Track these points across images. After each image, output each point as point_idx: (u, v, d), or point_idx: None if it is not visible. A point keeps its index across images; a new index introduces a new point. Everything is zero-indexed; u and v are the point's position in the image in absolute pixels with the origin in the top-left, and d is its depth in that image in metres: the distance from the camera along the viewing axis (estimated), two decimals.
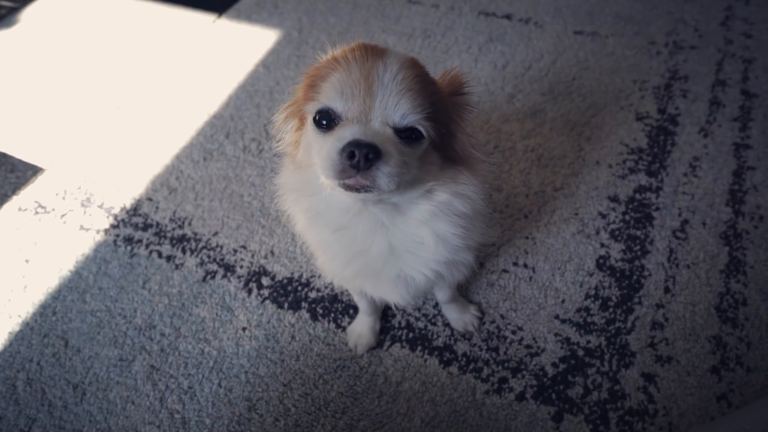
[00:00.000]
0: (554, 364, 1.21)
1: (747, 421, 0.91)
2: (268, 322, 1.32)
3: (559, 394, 1.16)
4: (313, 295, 1.36)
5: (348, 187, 0.67)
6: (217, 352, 1.27)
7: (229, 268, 1.43)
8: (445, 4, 2.22)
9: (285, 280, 1.39)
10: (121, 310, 1.37)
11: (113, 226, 1.56)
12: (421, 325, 1.29)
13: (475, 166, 0.81)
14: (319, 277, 1.39)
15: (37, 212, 1.62)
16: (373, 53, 0.70)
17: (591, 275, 1.35)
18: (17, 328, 1.36)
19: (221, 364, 1.25)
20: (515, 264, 1.38)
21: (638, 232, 1.42)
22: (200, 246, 1.49)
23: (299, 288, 1.38)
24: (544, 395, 1.16)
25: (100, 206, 1.62)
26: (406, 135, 0.69)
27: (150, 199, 1.62)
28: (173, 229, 1.53)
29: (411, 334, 1.27)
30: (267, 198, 1.58)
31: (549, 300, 1.31)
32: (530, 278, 1.35)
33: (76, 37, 2.30)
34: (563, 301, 1.31)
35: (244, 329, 1.31)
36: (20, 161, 1.78)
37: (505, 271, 1.37)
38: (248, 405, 1.19)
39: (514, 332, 1.26)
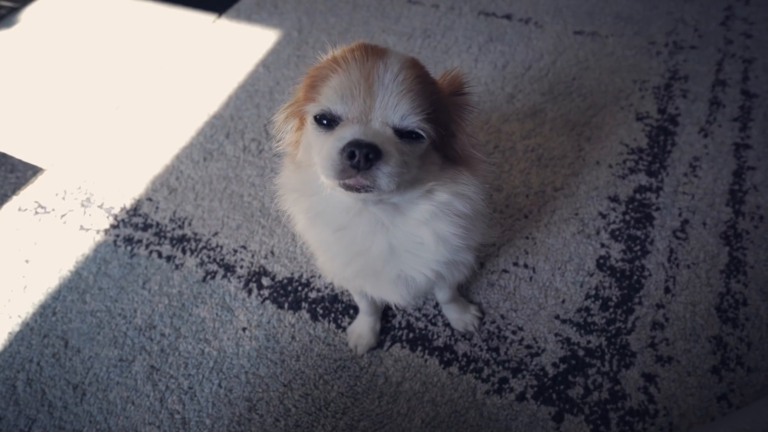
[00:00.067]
0: (555, 365, 1.20)
1: (747, 422, 0.91)
2: (269, 322, 1.32)
3: (559, 395, 1.16)
4: (313, 295, 1.36)
5: (348, 187, 0.67)
6: (217, 352, 1.27)
7: (229, 269, 1.43)
8: (445, 4, 2.22)
9: (285, 281, 1.39)
10: (121, 311, 1.37)
11: (113, 227, 1.56)
12: (421, 325, 1.29)
13: (475, 166, 0.81)
14: (320, 277, 1.39)
15: (37, 212, 1.62)
16: (373, 53, 0.70)
17: (591, 275, 1.35)
18: (17, 329, 1.35)
19: (221, 364, 1.25)
20: (515, 264, 1.38)
21: (638, 232, 1.42)
22: (200, 246, 1.48)
23: (299, 288, 1.38)
24: (544, 395, 1.16)
25: (100, 206, 1.62)
26: (407, 135, 0.69)
27: (150, 200, 1.62)
28: (173, 229, 1.53)
29: (411, 335, 1.27)
30: (267, 198, 1.58)
31: (549, 300, 1.31)
32: (530, 278, 1.35)
33: (76, 37, 2.30)
34: (563, 302, 1.31)
35: (244, 329, 1.31)
36: (20, 161, 1.78)
37: (505, 271, 1.37)
38: (248, 405, 1.19)
39: (514, 332, 1.26)
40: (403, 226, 0.81)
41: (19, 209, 1.63)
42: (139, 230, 1.54)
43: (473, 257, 0.95)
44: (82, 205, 1.63)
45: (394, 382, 1.20)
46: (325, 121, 0.70)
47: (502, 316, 1.29)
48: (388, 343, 1.26)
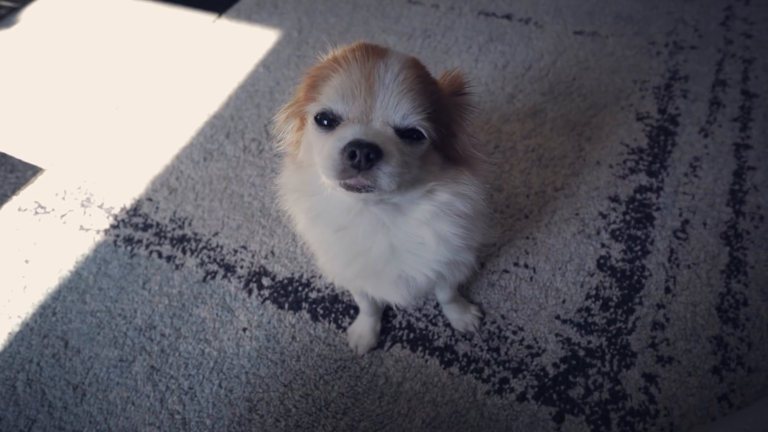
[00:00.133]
0: (555, 365, 1.20)
1: (748, 422, 0.91)
2: (269, 322, 1.32)
3: (560, 395, 1.16)
4: (313, 295, 1.36)
5: (349, 187, 0.67)
6: (217, 352, 1.27)
7: (229, 269, 1.43)
8: (445, 4, 2.22)
9: (285, 281, 1.39)
10: (121, 311, 1.36)
11: (113, 227, 1.56)
12: (421, 325, 1.29)
13: (476, 166, 0.80)
14: (320, 277, 1.38)
15: (36, 212, 1.62)
16: (374, 53, 0.70)
17: (592, 275, 1.35)
18: (17, 329, 1.35)
19: (222, 364, 1.25)
20: (516, 264, 1.38)
21: (639, 233, 1.42)
22: (200, 246, 1.48)
23: (300, 288, 1.37)
24: (545, 396, 1.16)
25: (100, 206, 1.62)
26: (407, 135, 0.69)
27: (150, 200, 1.62)
28: (173, 229, 1.53)
29: (412, 335, 1.27)
30: (267, 198, 1.58)
31: (550, 300, 1.31)
32: (531, 278, 1.35)
33: (76, 37, 2.30)
34: (564, 302, 1.30)
35: (244, 330, 1.31)
36: (20, 161, 1.78)
37: (505, 271, 1.37)
38: (249, 406, 1.19)
39: (515, 332, 1.26)
40: (404, 226, 0.81)
41: (19, 209, 1.63)
42: (139, 230, 1.54)
43: (474, 257, 0.95)
44: (82, 205, 1.63)
45: (395, 383, 1.20)
46: (325, 122, 0.70)
47: (503, 317, 1.29)
48: (388, 344, 1.26)
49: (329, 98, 0.69)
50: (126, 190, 1.66)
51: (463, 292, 1.33)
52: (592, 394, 1.16)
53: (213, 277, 1.41)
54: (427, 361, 1.23)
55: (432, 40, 2.06)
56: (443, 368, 1.21)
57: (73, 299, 1.40)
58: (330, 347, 1.26)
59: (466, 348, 1.24)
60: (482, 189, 0.80)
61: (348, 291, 1.31)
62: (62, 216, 1.60)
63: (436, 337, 1.27)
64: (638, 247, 1.39)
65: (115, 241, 1.52)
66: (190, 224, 1.54)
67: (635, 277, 1.33)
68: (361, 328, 1.24)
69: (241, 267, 1.43)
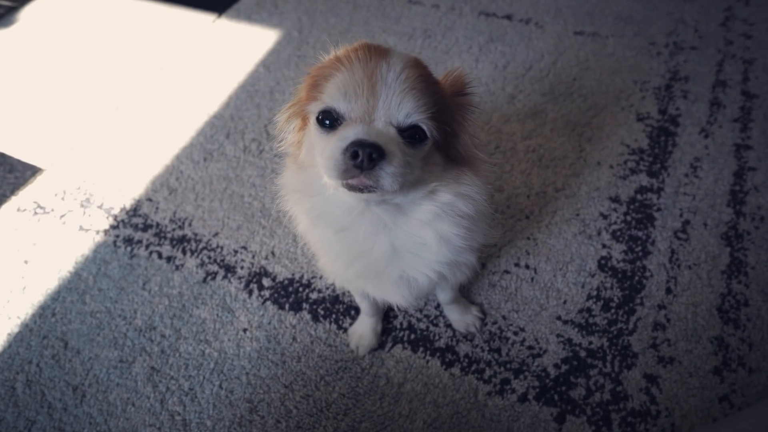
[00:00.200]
0: (556, 365, 1.20)
1: (750, 423, 0.91)
2: (269, 323, 1.31)
3: (561, 396, 1.16)
4: (314, 296, 1.36)
5: (351, 188, 0.67)
6: (217, 353, 1.27)
7: (229, 269, 1.42)
8: (445, 4, 2.22)
9: (286, 281, 1.39)
10: (121, 312, 1.36)
11: (113, 227, 1.55)
12: (422, 326, 1.29)
13: (478, 166, 0.80)
14: (321, 278, 1.38)
15: (36, 213, 1.62)
16: (376, 53, 0.69)
17: (593, 276, 1.35)
18: (16, 330, 1.35)
19: (222, 365, 1.25)
20: (517, 265, 1.38)
21: (640, 233, 1.42)
22: (200, 247, 1.48)
23: (300, 289, 1.37)
24: (546, 396, 1.16)
25: (100, 207, 1.61)
26: (410, 135, 0.69)
27: (150, 200, 1.62)
28: (173, 229, 1.53)
29: (413, 335, 1.27)
30: (268, 198, 1.58)
31: (551, 301, 1.31)
32: (532, 279, 1.35)
33: (75, 37, 2.29)
34: (565, 302, 1.30)
35: (245, 330, 1.30)
36: (19, 161, 1.77)
37: (506, 272, 1.37)
38: (249, 407, 1.18)
39: (516, 333, 1.26)
40: (405, 226, 0.81)
41: (18, 210, 1.63)
42: (139, 231, 1.53)
43: (475, 258, 0.94)
44: (82, 206, 1.62)
45: (396, 384, 1.20)
46: (327, 122, 0.70)
47: (504, 317, 1.29)
48: (389, 344, 1.26)
49: (331, 97, 0.68)
50: (126, 190, 1.65)
51: (464, 293, 1.33)
52: (593, 395, 1.16)
53: (213, 278, 1.41)
54: (428, 361, 1.22)
55: (432, 40, 2.06)
56: (444, 369, 1.21)
57: (72, 300, 1.39)
58: (331, 348, 1.26)
59: (468, 349, 1.24)
60: (484, 189, 0.80)
61: (349, 292, 1.30)
62: (62, 216, 1.60)
63: (437, 337, 1.26)
64: (639, 248, 1.39)
65: (114, 242, 1.51)
66: (190, 225, 1.54)
67: (636, 278, 1.33)
68: (362, 329, 1.24)
69: (242, 267, 1.42)
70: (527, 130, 1.69)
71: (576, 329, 1.26)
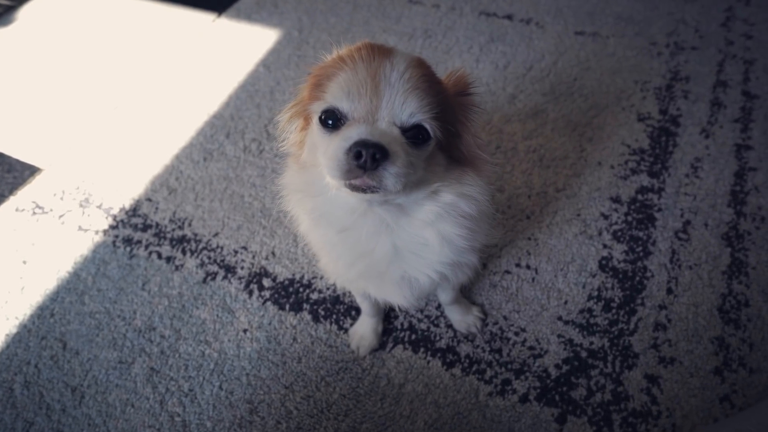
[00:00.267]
0: (557, 366, 1.20)
1: (752, 423, 0.91)
2: (270, 323, 1.31)
3: (562, 396, 1.16)
4: (314, 296, 1.35)
5: (354, 188, 0.67)
6: (217, 354, 1.26)
7: (229, 270, 1.42)
8: (446, 4, 2.22)
9: (286, 282, 1.38)
10: (121, 312, 1.35)
11: (112, 227, 1.54)
12: (423, 326, 1.28)
13: (480, 167, 0.80)
14: (321, 278, 1.38)
15: (34, 213, 1.61)
16: (379, 53, 0.69)
17: (593, 276, 1.34)
18: (14, 330, 1.34)
19: (222, 366, 1.24)
20: (518, 265, 1.38)
21: (640, 233, 1.42)
22: (200, 247, 1.47)
23: (301, 289, 1.37)
24: (547, 397, 1.16)
25: (99, 207, 1.61)
26: (413, 135, 0.69)
27: (149, 200, 1.61)
28: (173, 229, 1.52)
29: (414, 336, 1.27)
30: (268, 198, 1.57)
31: (552, 301, 1.31)
32: (533, 279, 1.35)
33: (74, 36, 2.28)
34: (566, 303, 1.30)
35: (245, 331, 1.30)
36: (17, 161, 1.76)
37: (507, 272, 1.37)
38: (250, 408, 1.18)
39: (517, 334, 1.26)
40: (407, 227, 0.80)
41: (17, 209, 1.62)
42: (138, 231, 1.53)
43: (477, 258, 0.94)
44: (81, 206, 1.61)
45: (397, 384, 1.19)
46: (330, 122, 0.69)
47: (505, 318, 1.29)
48: (390, 345, 1.25)
49: (334, 96, 0.68)
50: (125, 190, 1.64)
51: (465, 293, 1.33)
52: (594, 396, 1.16)
53: (213, 278, 1.40)
54: (429, 362, 1.22)
55: (433, 40, 2.06)
56: (445, 369, 1.21)
57: (71, 300, 1.39)
58: (331, 348, 1.26)
59: (469, 349, 1.24)
60: (486, 190, 0.80)
61: (349, 292, 1.30)
62: (60, 216, 1.59)
63: (438, 338, 1.26)
64: (640, 248, 1.39)
65: (114, 242, 1.51)
66: (190, 225, 1.53)
67: (637, 278, 1.33)
68: (363, 330, 1.24)
69: (242, 268, 1.42)
70: (528, 130, 1.69)
71: (577, 329, 1.25)
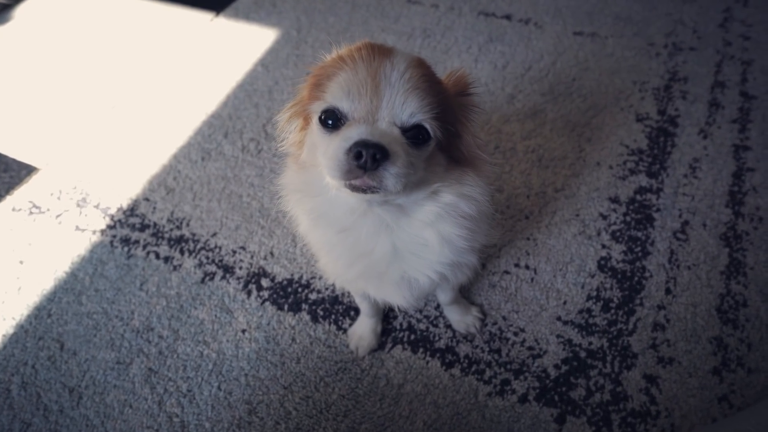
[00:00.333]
0: (556, 366, 1.20)
1: (751, 423, 0.91)
2: (268, 324, 1.30)
3: (561, 396, 1.16)
4: (313, 296, 1.35)
5: (354, 188, 0.66)
6: (216, 354, 1.26)
7: (228, 270, 1.41)
8: (444, 3, 2.22)
9: (285, 282, 1.38)
10: (118, 312, 1.35)
11: (110, 227, 1.54)
12: (422, 326, 1.28)
13: (480, 167, 0.80)
14: (320, 278, 1.37)
15: (31, 212, 1.60)
16: (380, 52, 0.69)
17: (592, 276, 1.35)
18: (11, 331, 1.33)
19: (221, 366, 1.24)
20: (517, 265, 1.38)
21: (639, 234, 1.42)
22: (198, 247, 1.47)
23: (299, 289, 1.36)
24: (546, 397, 1.16)
25: (96, 206, 1.60)
26: (413, 135, 0.68)
27: (147, 200, 1.60)
28: (171, 229, 1.52)
29: (413, 336, 1.26)
30: (266, 198, 1.57)
31: (551, 301, 1.31)
32: (532, 279, 1.35)
33: (71, 35, 2.27)
34: (565, 303, 1.30)
35: (243, 331, 1.29)
36: (14, 160, 1.75)
37: (506, 272, 1.37)
38: (248, 408, 1.17)
39: (516, 334, 1.26)
40: (407, 227, 0.80)
41: (13, 209, 1.61)
42: (136, 231, 1.52)
43: (477, 259, 0.94)
44: (78, 205, 1.61)
45: (396, 384, 1.19)
46: (330, 121, 0.69)
47: (504, 318, 1.29)
48: (389, 345, 1.25)
49: (334, 96, 0.68)
50: (123, 189, 1.64)
51: (464, 294, 1.33)
52: (593, 396, 1.16)
53: (211, 278, 1.40)
54: (428, 362, 1.22)
55: (431, 40, 2.06)
56: (444, 370, 1.21)
57: (68, 301, 1.38)
58: (330, 349, 1.25)
59: (468, 349, 1.24)
60: (486, 190, 0.80)
61: (348, 292, 1.30)
62: (57, 216, 1.58)
63: (437, 338, 1.26)
64: (638, 249, 1.39)
65: (111, 242, 1.50)
66: (188, 225, 1.52)
67: (636, 279, 1.33)
68: (362, 330, 1.23)
69: (240, 268, 1.41)
70: (527, 131, 1.69)
71: (576, 330, 1.26)
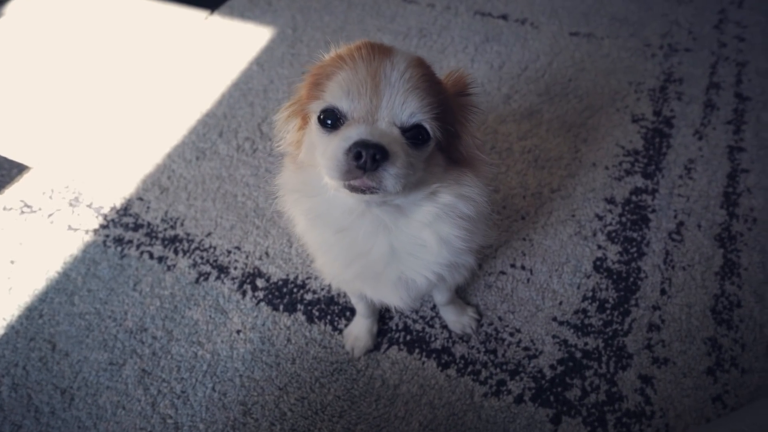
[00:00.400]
0: (552, 366, 1.20)
1: (746, 423, 0.92)
2: (263, 324, 1.29)
3: (557, 397, 1.16)
4: (309, 297, 1.34)
5: (353, 189, 0.66)
6: (210, 355, 1.25)
7: (222, 270, 1.40)
8: (440, 3, 2.21)
9: (280, 282, 1.37)
10: (111, 313, 1.33)
11: (103, 227, 1.52)
12: (418, 327, 1.28)
13: (478, 167, 0.80)
14: (315, 278, 1.37)
15: (22, 212, 1.58)
16: (379, 52, 0.68)
17: (588, 277, 1.35)
18: (2, 332, 1.31)
19: (215, 367, 1.23)
20: (513, 266, 1.38)
21: (634, 234, 1.43)
22: (193, 247, 1.45)
23: (295, 290, 1.35)
24: (542, 397, 1.16)
25: (89, 206, 1.58)
26: (413, 136, 0.68)
27: (141, 199, 1.58)
28: (165, 229, 1.50)
29: (408, 337, 1.26)
30: (261, 198, 1.55)
31: (546, 302, 1.31)
32: (528, 280, 1.35)
33: (64, 32, 2.24)
34: (561, 303, 1.30)
35: (238, 332, 1.28)
36: (5, 159, 1.73)
37: (502, 272, 1.37)
38: (243, 409, 1.16)
39: (512, 334, 1.26)
40: (405, 228, 0.80)
41: (4, 208, 1.59)
42: (129, 230, 1.50)
43: (474, 259, 0.94)
44: (71, 205, 1.59)
45: (392, 385, 1.19)
46: (329, 121, 0.68)
47: (500, 318, 1.29)
48: (385, 346, 1.25)
49: (334, 95, 0.67)
50: (116, 189, 1.62)
51: (461, 294, 1.32)
52: (588, 396, 1.16)
53: (206, 279, 1.38)
54: (424, 363, 1.22)
55: (428, 39, 2.05)
56: (440, 370, 1.20)
57: (60, 301, 1.36)
58: (326, 349, 1.25)
59: (464, 350, 1.23)
60: (485, 191, 0.80)
61: (344, 293, 1.29)
62: (49, 215, 1.56)
63: (433, 339, 1.26)
64: (634, 249, 1.40)
65: (104, 242, 1.48)
66: (182, 224, 1.51)
67: (631, 279, 1.34)
68: (358, 330, 1.23)
69: (235, 268, 1.40)
70: (523, 131, 1.69)
71: (571, 330, 1.26)
